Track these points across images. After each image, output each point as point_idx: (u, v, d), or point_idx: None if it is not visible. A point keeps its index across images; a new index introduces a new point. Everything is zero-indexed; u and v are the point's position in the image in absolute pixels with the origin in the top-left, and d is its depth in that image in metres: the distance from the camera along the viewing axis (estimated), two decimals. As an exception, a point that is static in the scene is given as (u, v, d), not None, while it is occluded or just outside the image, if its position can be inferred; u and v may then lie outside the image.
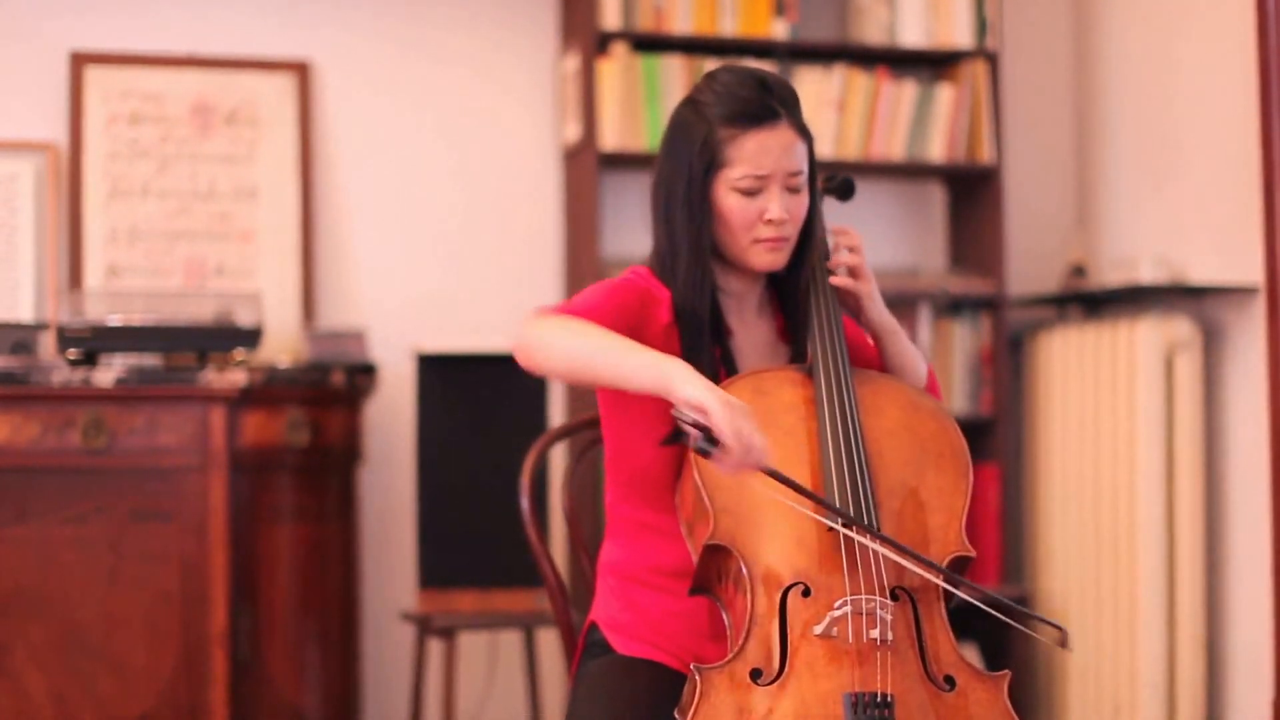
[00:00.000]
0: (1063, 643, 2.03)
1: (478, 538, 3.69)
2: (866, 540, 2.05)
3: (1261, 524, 3.71)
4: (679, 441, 1.96)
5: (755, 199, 2.18)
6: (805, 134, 2.22)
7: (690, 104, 2.24)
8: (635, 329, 2.17)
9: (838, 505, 2.06)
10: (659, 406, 2.11)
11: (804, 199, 2.22)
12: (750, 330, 2.30)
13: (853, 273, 2.28)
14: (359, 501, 3.97)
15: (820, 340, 2.21)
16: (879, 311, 2.30)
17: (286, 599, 3.66)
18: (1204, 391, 3.97)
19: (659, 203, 2.24)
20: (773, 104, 2.18)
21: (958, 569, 2.11)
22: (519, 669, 4.14)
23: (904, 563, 2.04)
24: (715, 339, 2.24)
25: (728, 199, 2.19)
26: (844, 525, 2.04)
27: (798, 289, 2.28)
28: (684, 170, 2.20)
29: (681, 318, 2.21)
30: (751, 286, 2.30)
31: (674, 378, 1.96)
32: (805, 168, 2.21)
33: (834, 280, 2.27)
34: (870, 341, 2.35)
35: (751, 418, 1.94)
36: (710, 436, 1.92)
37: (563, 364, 2.07)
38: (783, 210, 2.18)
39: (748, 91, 2.19)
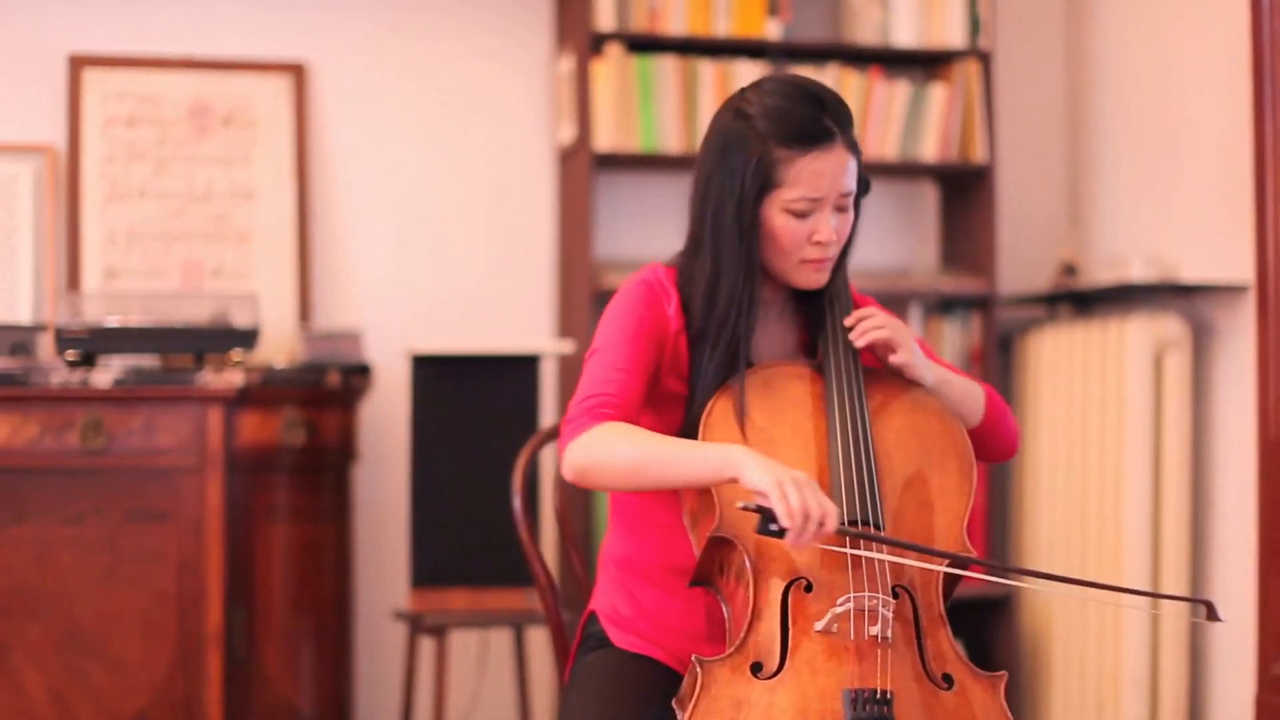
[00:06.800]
0: (1210, 615, 2.02)
1: (470, 537, 3.71)
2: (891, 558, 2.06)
3: (1247, 522, 3.72)
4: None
5: (806, 220, 2.15)
6: (856, 150, 2.18)
7: (739, 116, 2.17)
8: (660, 345, 2.19)
9: (845, 513, 2.07)
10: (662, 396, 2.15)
11: (850, 216, 2.20)
12: (769, 336, 2.28)
13: (882, 345, 2.22)
14: (353, 501, 4.00)
15: (830, 339, 2.22)
16: (923, 372, 2.23)
17: (281, 597, 3.69)
18: (1193, 390, 3.98)
19: (703, 217, 2.19)
20: (828, 123, 2.13)
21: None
22: (509, 667, 4.17)
23: (932, 567, 2.06)
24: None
25: (778, 219, 2.15)
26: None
27: (823, 299, 2.26)
28: (735, 189, 2.14)
29: (711, 334, 2.18)
30: (775, 294, 2.28)
31: (743, 467, 1.97)
32: (855, 186, 2.19)
33: (860, 343, 2.22)
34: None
35: (811, 487, 1.95)
36: (771, 516, 1.95)
37: (622, 481, 2.07)
38: (832, 232, 2.16)
39: (803, 109, 2.14)
